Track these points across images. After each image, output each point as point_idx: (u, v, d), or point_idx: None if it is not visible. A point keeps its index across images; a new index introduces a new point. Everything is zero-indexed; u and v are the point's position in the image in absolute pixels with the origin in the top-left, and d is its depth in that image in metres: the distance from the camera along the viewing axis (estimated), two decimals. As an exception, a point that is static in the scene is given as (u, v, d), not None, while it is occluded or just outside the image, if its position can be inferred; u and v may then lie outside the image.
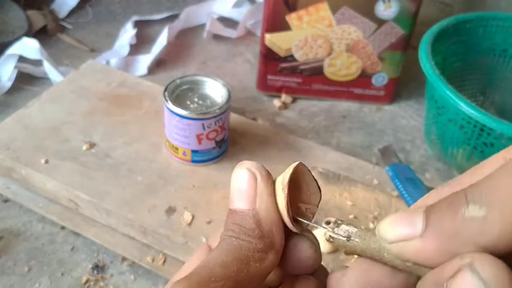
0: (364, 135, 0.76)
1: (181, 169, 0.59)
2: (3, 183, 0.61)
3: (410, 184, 0.58)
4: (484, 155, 0.61)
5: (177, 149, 0.59)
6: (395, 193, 0.59)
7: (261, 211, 0.21)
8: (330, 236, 0.21)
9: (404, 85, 0.84)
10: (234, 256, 0.20)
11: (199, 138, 0.57)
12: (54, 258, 0.56)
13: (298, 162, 0.22)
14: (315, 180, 0.23)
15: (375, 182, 0.61)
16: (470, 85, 0.76)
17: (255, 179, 0.21)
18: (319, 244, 0.23)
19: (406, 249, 0.18)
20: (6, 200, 0.62)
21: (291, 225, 0.22)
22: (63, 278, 0.55)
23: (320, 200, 0.23)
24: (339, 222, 0.21)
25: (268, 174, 0.22)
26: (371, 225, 0.54)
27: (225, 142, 0.60)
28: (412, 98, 0.83)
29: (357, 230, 0.21)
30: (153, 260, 0.55)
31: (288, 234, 0.22)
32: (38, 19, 0.89)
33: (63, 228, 0.59)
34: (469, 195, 0.17)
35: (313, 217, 0.23)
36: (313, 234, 0.23)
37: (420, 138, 0.76)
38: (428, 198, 0.20)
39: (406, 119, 0.80)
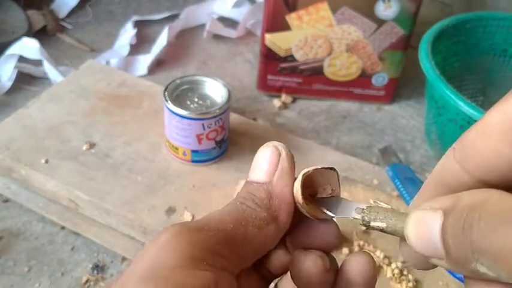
0: (364, 135, 0.76)
1: (181, 169, 0.59)
2: (3, 183, 0.61)
3: (410, 184, 0.58)
4: (484, 155, 0.61)
5: (177, 149, 0.59)
6: (396, 193, 0.59)
7: (276, 186, 0.21)
8: (363, 217, 0.21)
9: (405, 85, 0.84)
10: (233, 216, 0.21)
11: (199, 138, 0.57)
12: (54, 258, 0.56)
13: (329, 167, 0.23)
14: (338, 181, 0.23)
15: (375, 182, 0.61)
16: (470, 85, 0.76)
17: (279, 155, 0.22)
18: (339, 232, 0.23)
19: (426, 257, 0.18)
20: (6, 200, 0.62)
21: (302, 206, 0.22)
22: (63, 278, 0.55)
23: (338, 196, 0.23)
24: (376, 202, 0.21)
25: (292, 155, 0.22)
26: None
27: (225, 142, 0.60)
28: (412, 98, 0.83)
29: (391, 207, 0.20)
30: (153, 260, 0.55)
31: (304, 219, 0.23)
32: (38, 19, 0.89)
33: (63, 228, 0.59)
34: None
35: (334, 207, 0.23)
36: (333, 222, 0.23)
37: (420, 138, 0.76)
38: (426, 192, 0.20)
39: (406, 119, 0.80)
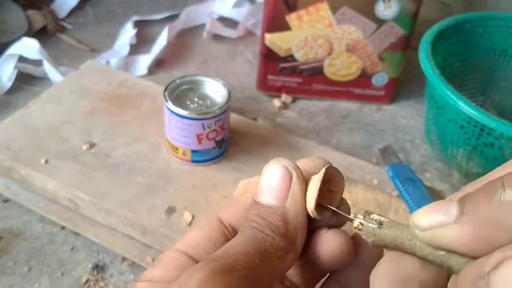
0: (364, 135, 0.76)
1: (181, 169, 0.59)
2: (3, 183, 0.61)
3: (410, 184, 0.58)
4: (484, 155, 0.61)
5: (177, 149, 0.59)
6: (395, 193, 0.59)
7: (290, 211, 0.21)
8: (360, 223, 0.21)
9: (405, 85, 0.84)
10: (256, 248, 0.20)
11: (199, 138, 0.57)
12: (54, 258, 0.56)
13: (329, 166, 0.22)
14: (343, 181, 0.23)
15: (375, 181, 0.61)
16: (470, 85, 0.76)
17: (290, 177, 0.21)
18: (350, 240, 0.22)
19: (440, 236, 0.18)
20: (6, 200, 0.62)
21: (317, 215, 0.21)
22: (63, 278, 0.55)
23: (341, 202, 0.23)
24: (370, 212, 0.21)
25: (303, 175, 0.22)
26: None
27: (225, 142, 0.60)
28: (412, 98, 0.83)
29: (388, 220, 0.21)
30: (153, 260, 0.55)
31: (316, 231, 0.22)
32: (38, 19, 0.89)
33: (63, 228, 0.59)
34: (505, 180, 0.17)
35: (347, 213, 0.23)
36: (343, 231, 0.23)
37: (420, 138, 0.76)
38: (461, 192, 0.20)
39: (406, 119, 0.80)
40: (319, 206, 0.22)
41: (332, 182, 0.23)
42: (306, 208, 0.21)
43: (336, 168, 0.23)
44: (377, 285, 0.20)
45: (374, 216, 0.21)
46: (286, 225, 0.21)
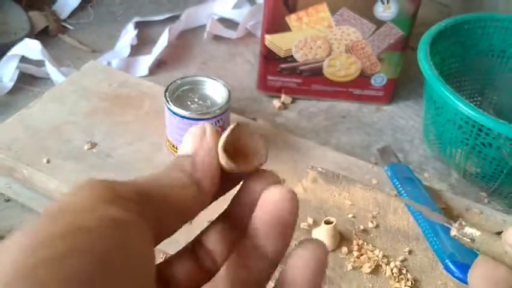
0: (363, 135, 0.76)
1: (181, 169, 0.59)
2: (5, 183, 0.62)
3: (409, 184, 0.59)
4: (482, 155, 0.62)
5: (177, 149, 0.59)
6: (394, 192, 0.59)
7: (198, 157, 0.22)
8: (455, 234, 0.24)
9: (403, 85, 0.85)
10: (150, 177, 0.20)
11: (199, 138, 0.58)
12: (55, 257, 0.57)
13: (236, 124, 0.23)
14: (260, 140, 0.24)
15: (374, 181, 0.61)
16: (468, 85, 0.76)
17: (204, 132, 0.22)
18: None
19: None
20: (8, 200, 0.62)
21: (226, 162, 0.22)
22: (65, 276, 0.55)
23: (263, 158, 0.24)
24: (463, 224, 0.24)
25: (216, 132, 0.23)
26: (370, 225, 0.55)
27: (225, 142, 0.61)
28: (411, 99, 0.84)
29: (480, 233, 0.23)
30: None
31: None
32: (40, 20, 0.89)
33: (64, 227, 0.60)
34: None
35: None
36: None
37: (419, 138, 0.77)
38: None
39: (404, 119, 0.80)
40: (235, 160, 0.22)
41: (247, 140, 0.24)
42: (216, 158, 0.22)
43: (245, 125, 0.24)
44: (475, 283, 0.24)
45: (467, 230, 0.24)
46: (193, 166, 0.21)
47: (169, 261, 0.23)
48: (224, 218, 0.23)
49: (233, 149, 0.22)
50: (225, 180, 0.23)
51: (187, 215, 0.22)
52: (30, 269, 0.14)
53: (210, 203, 0.23)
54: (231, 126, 0.23)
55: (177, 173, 0.21)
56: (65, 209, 0.17)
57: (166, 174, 0.21)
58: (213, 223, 0.24)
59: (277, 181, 0.22)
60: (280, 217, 0.20)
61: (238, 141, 0.23)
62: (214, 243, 0.23)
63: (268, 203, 0.20)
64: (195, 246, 0.24)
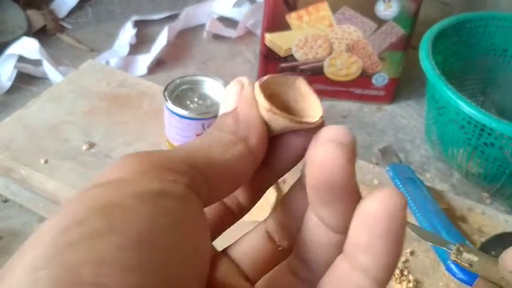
0: (364, 135, 0.76)
1: (181, 169, 0.59)
2: (3, 183, 0.61)
3: (410, 184, 0.58)
4: (484, 155, 0.61)
5: (177, 149, 0.59)
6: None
7: (240, 112, 0.20)
8: (454, 260, 0.24)
9: (405, 85, 0.84)
10: (194, 142, 0.19)
11: (199, 138, 0.57)
12: (53, 259, 0.56)
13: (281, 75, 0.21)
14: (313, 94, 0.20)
15: (375, 182, 0.60)
16: (470, 85, 0.76)
17: (242, 86, 0.20)
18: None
19: None
20: (5, 200, 0.62)
21: (271, 111, 0.19)
22: (63, 278, 0.55)
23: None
24: (461, 249, 0.24)
25: (253, 83, 0.20)
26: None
27: (225, 142, 0.60)
28: (413, 98, 0.83)
29: (477, 259, 0.24)
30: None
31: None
32: (38, 19, 0.89)
33: (62, 228, 0.59)
34: None
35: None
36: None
37: (420, 138, 0.76)
38: None
39: (406, 119, 0.80)
40: (279, 112, 0.19)
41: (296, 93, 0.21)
42: (257, 107, 0.20)
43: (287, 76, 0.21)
44: None
45: (465, 255, 0.24)
46: (237, 123, 0.19)
47: (235, 245, 0.22)
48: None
49: (277, 107, 0.19)
50: (277, 149, 0.20)
51: (238, 178, 0.19)
52: (59, 250, 0.13)
53: (271, 183, 0.20)
54: (272, 75, 0.20)
55: (221, 133, 0.19)
56: (102, 185, 0.15)
57: (210, 137, 0.19)
58: None
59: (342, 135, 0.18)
60: (332, 180, 0.17)
61: (283, 97, 0.20)
62: (290, 220, 0.21)
63: (317, 158, 0.17)
64: (268, 226, 0.21)
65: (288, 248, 0.21)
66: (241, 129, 0.19)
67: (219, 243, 0.21)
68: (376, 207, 0.16)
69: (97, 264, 0.13)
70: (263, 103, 0.19)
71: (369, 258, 0.16)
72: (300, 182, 0.20)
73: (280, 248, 0.21)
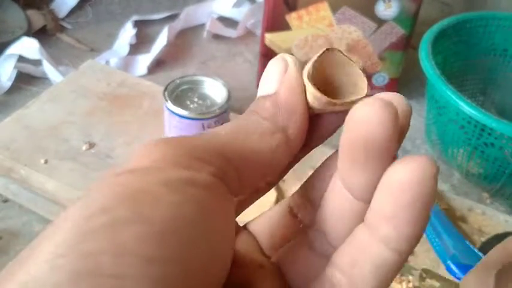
0: (364, 135, 0.76)
1: (181, 169, 0.59)
2: (3, 183, 0.61)
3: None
4: (484, 155, 0.61)
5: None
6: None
7: (283, 96, 0.18)
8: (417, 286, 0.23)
9: (405, 85, 0.84)
10: (230, 127, 0.17)
11: (199, 138, 0.57)
12: (53, 259, 0.56)
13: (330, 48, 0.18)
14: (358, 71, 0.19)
15: (375, 182, 0.60)
16: (470, 85, 0.76)
17: (286, 65, 0.18)
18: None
19: None
20: (5, 200, 0.62)
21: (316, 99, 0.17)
22: (63, 278, 0.55)
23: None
24: (424, 276, 0.23)
25: (299, 64, 0.18)
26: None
27: (225, 142, 0.60)
28: (413, 98, 0.83)
29: (439, 285, 0.23)
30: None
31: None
32: (38, 19, 0.88)
33: (62, 228, 0.59)
34: None
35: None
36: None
37: (421, 138, 0.76)
38: (493, 255, 0.20)
39: (406, 119, 0.80)
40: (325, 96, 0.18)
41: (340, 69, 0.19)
42: (301, 93, 0.18)
43: (340, 52, 0.19)
44: None
45: (427, 281, 0.24)
46: (277, 109, 0.18)
47: (257, 220, 0.21)
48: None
49: (321, 85, 0.18)
50: (315, 127, 0.19)
51: (272, 170, 0.18)
52: (80, 238, 0.13)
53: (300, 157, 0.19)
54: (319, 53, 0.18)
55: (258, 118, 0.18)
56: (131, 172, 0.15)
57: (245, 122, 0.18)
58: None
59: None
60: (370, 140, 0.15)
61: (326, 73, 0.19)
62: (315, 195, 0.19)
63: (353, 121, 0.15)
64: (291, 201, 0.20)
65: (309, 224, 0.20)
66: (281, 116, 0.18)
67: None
68: (403, 174, 0.14)
69: (118, 255, 0.12)
70: (313, 92, 0.18)
71: (392, 229, 0.15)
72: (332, 158, 0.19)
73: (301, 225, 0.20)
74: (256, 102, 0.18)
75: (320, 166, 0.20)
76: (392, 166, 0.15)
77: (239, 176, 0.16)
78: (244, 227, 0.21)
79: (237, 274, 0.18)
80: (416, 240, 0.15)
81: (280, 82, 0.18)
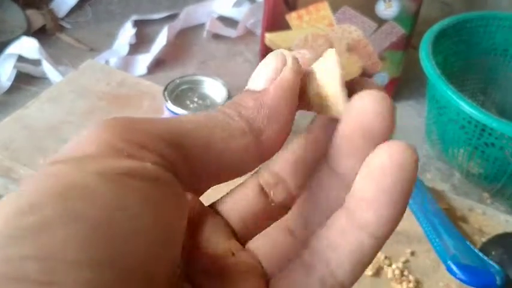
0: (364, 135, 0.76)
1: (181, 169, 0.59)
2: (2, 183, 0.61)
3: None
4: (485, 155, 0.61)
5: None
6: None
7: (270, 96, 0.16)
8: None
9: (405, 85, 0.84)
10: (199, 118, 0.16)
11: (199, 138, 0.57)
12: (53, 259, 0.56)
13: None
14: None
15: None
16: (471, 85, 0.76)
17: (283, 63, 0.17)
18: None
19: None
20: (5, 200, 0.62)
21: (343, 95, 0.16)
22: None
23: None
24: None
25: (300, 66, 0.17)
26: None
27: (224, 142, 0.60)
28: (413, 98, 0.83)
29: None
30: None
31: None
32: (37, 18, 0.88)
33: (62, 228, 0.59)
34: None
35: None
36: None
37: (421, 138, 0.76)
38: None
39: (406, 119, 0.79)
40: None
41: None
42: (292, 98, 0.17)
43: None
44: None
45: None
46: (259, 109, 0.16)
47: (225, 200, 0.19)
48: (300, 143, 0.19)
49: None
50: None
51: (234, 172, 0.17)
52: (5, 241, 0.11)
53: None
54: (329, 52, 0.17)
55: (233, 113, 0.16)
56: (64, 162, 0.13)
57: (217, 115, 0.16)
58: (285, 150, 0.19)
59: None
60: (368, 129, 0.15)
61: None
62: (289, 174, 0.19)
63: (355, 111, 0.15)
64: (261, 179, 0.19)
65: (282, 204, 0.19)
66: (261, 117, 0.16)
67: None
68: (385, 158, 0.14)
69: (43, 260, 0.11)
70: (339, 101, 0.16)
71: (372, 213, 0.15)
72: (309, 136, 0.19)
73: (273, 204, 0.19)
74: (240, 95, 0.17)
75: (292, 149, 0.19)
76: (374, 151, 0.15)
77: (191, 169, 0.15)
78: (211, 206, 0.20)
79: (206, 263, 0.17)
80: (394, 225, 0.15)
81: (270, 80, 0.17)
